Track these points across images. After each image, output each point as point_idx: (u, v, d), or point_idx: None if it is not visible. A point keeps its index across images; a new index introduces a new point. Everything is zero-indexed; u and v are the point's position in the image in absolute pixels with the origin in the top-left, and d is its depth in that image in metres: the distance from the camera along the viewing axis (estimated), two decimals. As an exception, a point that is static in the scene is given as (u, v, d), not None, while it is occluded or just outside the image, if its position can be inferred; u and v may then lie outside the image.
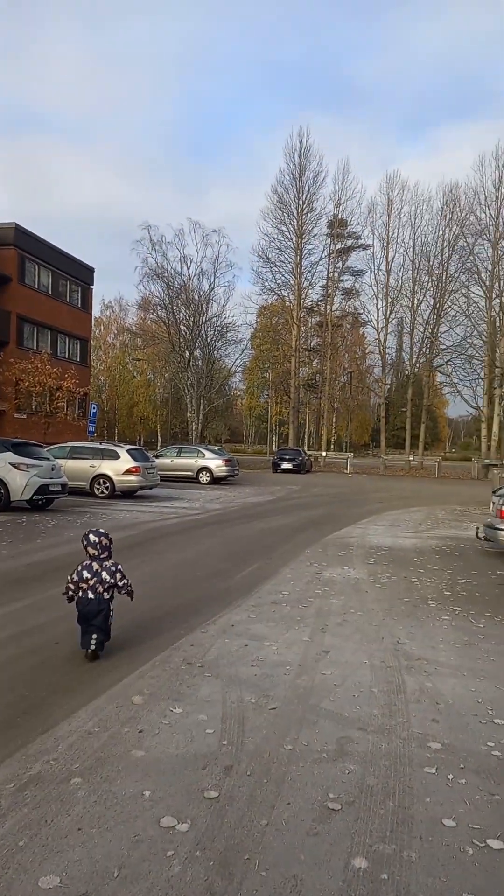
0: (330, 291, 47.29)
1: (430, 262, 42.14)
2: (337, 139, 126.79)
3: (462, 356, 39.68)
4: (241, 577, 7.98)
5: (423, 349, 43.22)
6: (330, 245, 46.76)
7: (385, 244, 44.31)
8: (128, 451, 18.07)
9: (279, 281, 45.54)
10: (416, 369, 43.98)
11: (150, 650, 5.01)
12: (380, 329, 44.25)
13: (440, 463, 37.73)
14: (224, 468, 25.39)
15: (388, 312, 44.09)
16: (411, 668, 4.80)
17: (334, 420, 64.52)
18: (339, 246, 47.14)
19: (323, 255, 46.47)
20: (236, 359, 45.53)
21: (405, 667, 4.84)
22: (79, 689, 4.19)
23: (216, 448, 29.16)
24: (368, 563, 9.29)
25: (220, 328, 42.04)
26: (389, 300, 43.94)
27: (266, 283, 45.45)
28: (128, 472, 17.48)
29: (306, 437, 68.44)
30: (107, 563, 4.82)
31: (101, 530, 4.92)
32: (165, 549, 9.75)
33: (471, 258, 39.36)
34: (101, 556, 4.81)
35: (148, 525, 12.47)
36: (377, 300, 44.86)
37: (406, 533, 12.93)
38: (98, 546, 4.81)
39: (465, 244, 39.37)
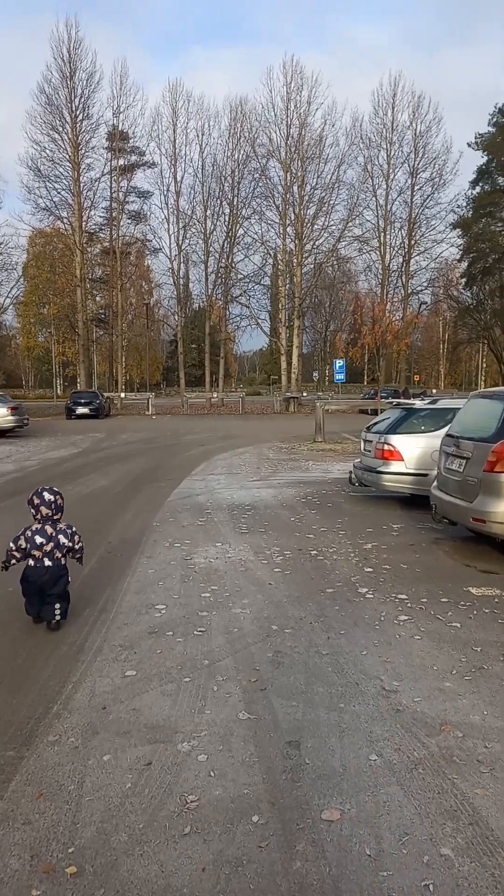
0: (115, 214, 42.76)
1: (223, 185, 39.91)
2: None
3: (259, 286, 38.75)
4: (80, 581, 5.30)
5: (219, 280, 41.38)
6: (111, 160, 41.93)
7: (172, 162, 40.85)
8: None
9: (55, 199, 39.76)
10: (214, 301, 42.11)
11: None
12: (172, 258, 41.31)
13: (244, 399, 36.91)
14: (10, 418, 21.20)
15: (181, 239, 41.21)
16: (454, 762, 2.74)
17: (123, 358, 60.72)
18: (121, 162, 42.51)
19: (104, 172, 41.53)
20: (10, 288, 39.14)
21: (443, 755, 2.77)
22: None
23: (-3, 394, 24.52)
24: (241, 531, 7.15)
25: (-14, 251, 35.50)
26: (181, 225, 40.99)
27: (40, 202, 39.36)
28: None
29: (95, 378, 63.91)
30: (60, 524, 4.34)
31: (55, 488, 4.41)
32: None
33: (263, 181, 37.90)
34: (55, 518, 4.32)
35: None
36: (168, 225, 41.61)
37: (253, 482, 11.05)
38: (53, 506, 4.29)
39: (258, 165, 37.73)
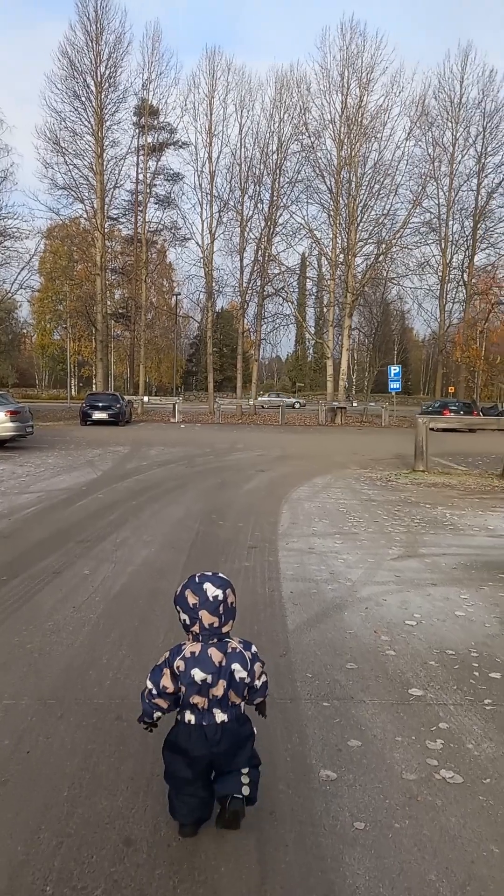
0: (141, 197, 38.27)
1: (265, 162, 35.21)
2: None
3: (306, 278, 34.02)
4: None
5: (256, 271, 36.63)
6: (139, 137, 37.49)
7: (208, 138, 36.23)
8: None
9: (75, 176, 35.23)
10: (248, 296, 37.35)
11: None
12: (205, 246, 36.61)
13: (283, 408, 32.12)
14: (9, 425, 16.56)
15: (215, 225, 36.52)
16: None
17: (143, 356, 56.24)
18: (150, 140, 38.05)
19: (131, 149, 37.08)
20: (19, 272, 34.04)
21: None
22: None
23: (-4, 394, 19.95)
24: None
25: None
26: (215, 210, 36.34)
27: (58, 178, 34.79)
28: None
29: (112, 379, 59.51)
30: (233, 641, 2.19)
31: (222, 575, 2.20)
32: None
33: (312, 158, 33.13)
34: (224, 630, 2.17)
35: None
36: (201, 209, 36.97)
37: (402, 561, 6.29)
38: (220, 609, 2.13)
39: (308, 141, 33.02)
